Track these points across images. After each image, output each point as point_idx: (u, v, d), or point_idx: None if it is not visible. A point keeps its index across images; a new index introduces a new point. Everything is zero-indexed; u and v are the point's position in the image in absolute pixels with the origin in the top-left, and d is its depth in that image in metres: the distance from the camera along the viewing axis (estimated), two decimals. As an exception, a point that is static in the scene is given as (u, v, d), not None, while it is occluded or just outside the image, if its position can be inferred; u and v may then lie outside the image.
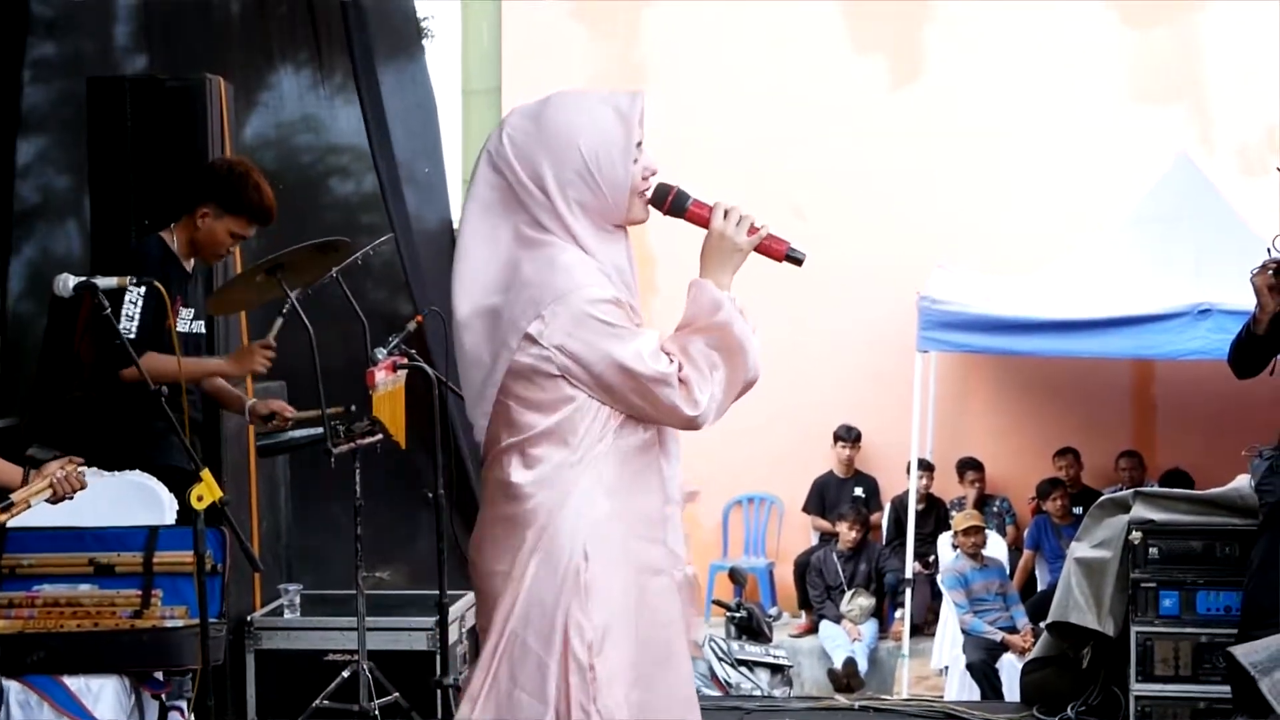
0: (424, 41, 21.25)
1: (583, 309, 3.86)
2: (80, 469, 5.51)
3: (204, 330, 7.09)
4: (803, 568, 14.59)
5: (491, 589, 4.01)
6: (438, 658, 7.51)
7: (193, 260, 6.97)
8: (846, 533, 14.27)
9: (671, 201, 4.05)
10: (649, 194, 4.03)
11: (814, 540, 15.18)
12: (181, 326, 6.81)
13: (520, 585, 3.94)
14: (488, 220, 3.99)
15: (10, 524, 5.38)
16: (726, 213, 4.04)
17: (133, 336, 6.41)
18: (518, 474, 3.95)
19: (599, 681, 3.89)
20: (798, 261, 4.10)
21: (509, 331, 3.91)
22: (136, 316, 6.50)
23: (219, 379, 7.17)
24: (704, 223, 4.07)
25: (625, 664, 3.93)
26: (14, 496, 5.41)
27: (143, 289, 6.40)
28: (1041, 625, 8.27)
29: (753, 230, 4.04)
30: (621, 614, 3.94)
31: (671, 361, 3.91)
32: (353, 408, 7.01)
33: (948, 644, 13.16)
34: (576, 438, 3.93)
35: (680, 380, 3.90)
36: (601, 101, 4.01)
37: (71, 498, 5.56)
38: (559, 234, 3.93)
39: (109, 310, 5.66)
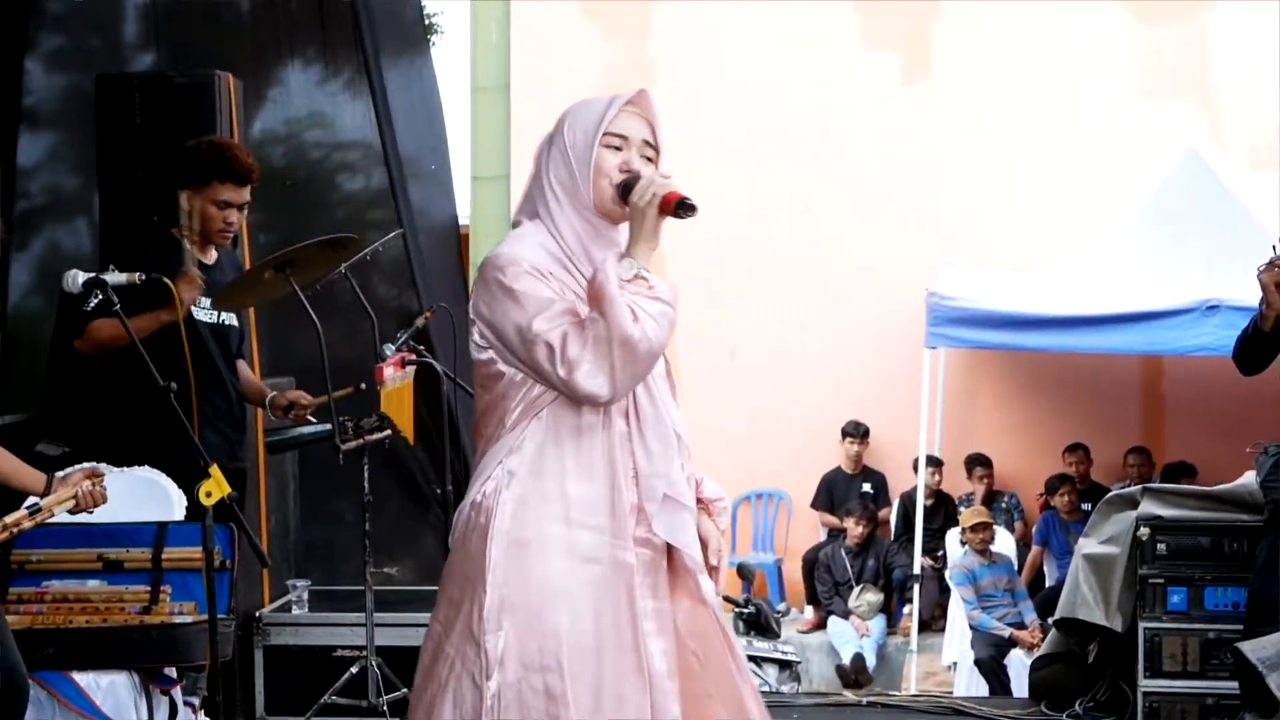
0: (432, 38, 21.36)
1: (492, 275, 3.97)
2: (103, 485, 5.55)
3: (235, 322, 7.06)
4: (811, 563, 14.59)
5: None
6: (446, 653, 7.51)
7: (213, 251, 6.94)
8: (854, 528, 14.27)
9: (621, 188, 4.04)
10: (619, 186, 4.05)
11: (822, 536, 15.18)
12: (206, 317, 6.80)
13: (449, 564, 4.10)
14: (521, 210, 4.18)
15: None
16: (642, 182, 4.01)
17: (89, 309, 6.37)
18: (478, 458, 4.10)
19: (488, 658, 3.92)
20: (682, 213, 3.98)
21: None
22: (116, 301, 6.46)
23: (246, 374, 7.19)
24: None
25: (527, 647, 3.94)
26: (41, 503, 5.47)
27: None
28: (1049, 621, 8.26)
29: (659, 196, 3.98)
30: (527, 596, 3.95)
31: (560, 327, 3.91)
32: (363, 386, 7.01)
33: (956, 640, 13.16)
34: (507, 414, 4.01)
35: (563, 340, 3.90)
36: (606, 94, 4.11)
37: (90, 512, 5.61)
38: (542, 214, 4.06)
39: (118, 306, 5.67)
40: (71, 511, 5.58)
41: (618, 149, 4.04)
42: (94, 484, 5.54)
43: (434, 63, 10.17)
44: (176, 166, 6.84)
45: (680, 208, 3.98)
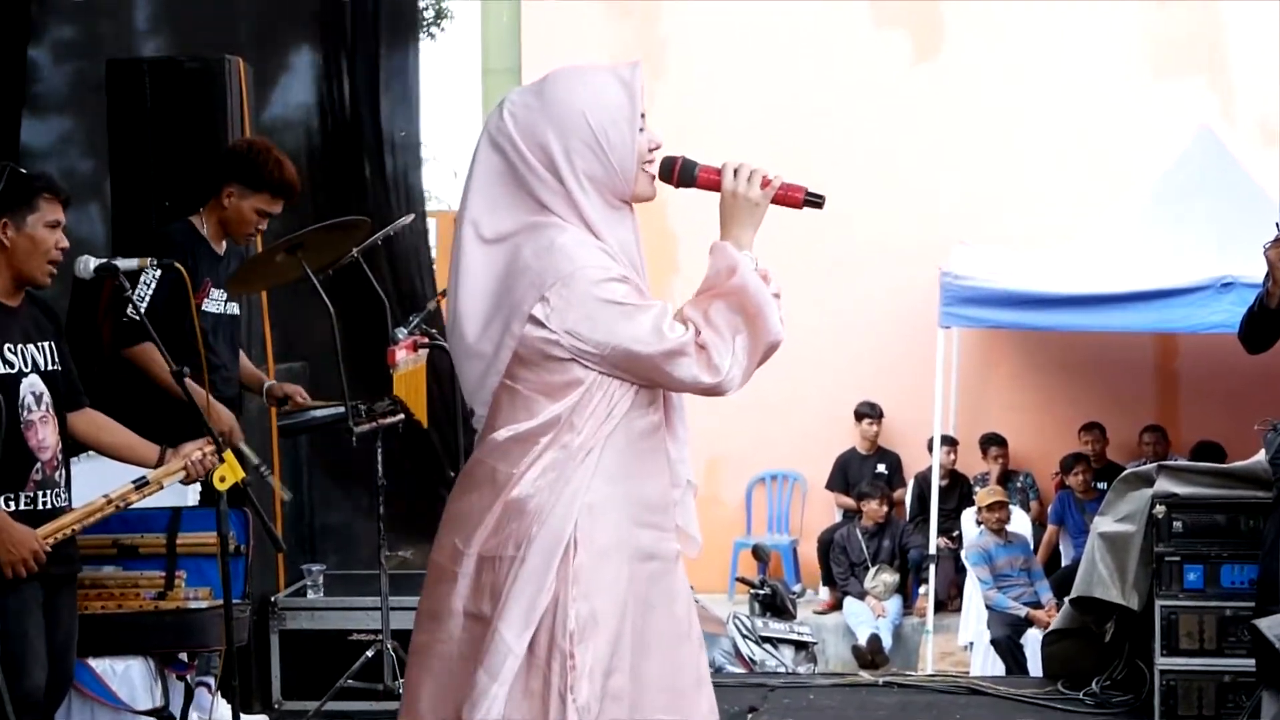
0: (443, 21, 21.31)
1: (589, 290, 3.78)
2: (214, 454, 5.58)
3: (238, 311, 7.06)
4: (826, 544, 14.59)
5: (462, 570, 3.94)
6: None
7: (224, 242, 6.95)
8: (876, 509, 14.26)
9: (680, 171, 3.97)
10: (655, 168, 3.95)
11: (837, 517, 15.18)
12: (214, 308, 6.81)
13: (504, 571, 3.87)
14: (489, 209, 3.91)
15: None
16: (736, 171, 3.94)
17: (136, 318, 6.36)
18: (517, 463, 3.87)
19: (578, 670, 3.82)
20: (818, 204, 3.98)
21: (511, 317, 3.83)
22: (147, 298, 6.44)
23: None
24: (715, 186, 3.96)
25: (608, 653, 3.86)
26: (149, 476, 5.52)
27: (159, 271, 6.38)
28: (1066, 600, 8.25)
29: (765, 183, 3.93)
30: (609, 603, 3.87)
31: (688, 329, 3.83)
32: (361, 406, 7.00)
33: (972, 620, 13.16)
34: (583, 421, 3.85)
35: (699, 346, 3.81)
36: (603, 72, 3.92)
37: (204, 480, 5.66)
38: (564, 213, 3.85)
39: (130, 291, 5.67)
40: (184, 482, 5.65)
41: (642, 129, 3.90)
42: (205, 454, 5.56)
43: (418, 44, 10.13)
44: (231, 162, 6.83)
45: (809, 202, 3.98)
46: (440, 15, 22.88)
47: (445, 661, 3.96)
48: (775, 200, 3.96)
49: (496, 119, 3.94)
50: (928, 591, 13.62)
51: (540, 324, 3.80)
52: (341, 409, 6.89)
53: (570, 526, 3.84)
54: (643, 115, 3.91)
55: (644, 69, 4.04)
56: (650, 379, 3.88)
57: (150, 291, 6.47)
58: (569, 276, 3.78)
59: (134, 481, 5.51)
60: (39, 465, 5.37)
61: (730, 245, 3.90)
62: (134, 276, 5.83)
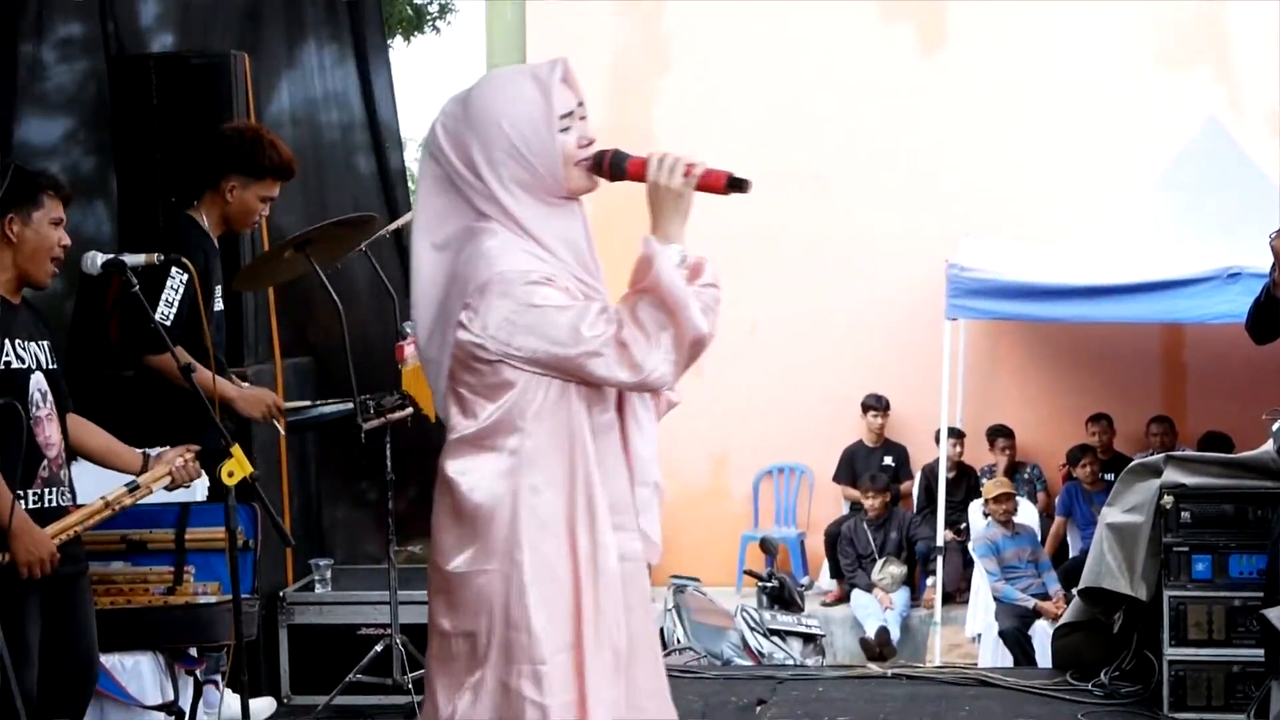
0: (448, 16, 21.30)
1: (505, 291, 3.80)
2: (196, 462, 5.70)
3: (223, 307, 7.04)
4: (834, 537, 14.59)
5: (438, 587, 3.99)
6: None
7: (217, 235, 6.92)
8: (870, 501, 14.27)
9: (610, 165, 3.94)
10: (590, 163, 3.94)
11: (845, 510, 15.17)
12: (217, 305, 6.79)
13: (482, 585, 3.89)
14: (435, 217, 3.97)
15: (42, 503, 5.43)
16: (660, 161, 3.91)
17: (168, 324, 6.34)
18: (465, 467, 3.92)
19: (549, 678, 3.82)
20: (743, 188, 3.90)
21: (447, 324, 3.88)
22: (175, 304, 6.44)
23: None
24: (643, 178, 3.94)
25: (582, 660, 3.85)
26: (140, 480, 5.58)
27: (185, 276, 6.35)
28: (1074, 591, 8.25)
29: (689, 171, 3.89)
30: (574, 607, 3.87)
31: (608, 328, 3.81)
32: (369, 402, 7.00)
33: (980, 611, 13.16)
34: (527, 423, 3.87)
35: (620, 344, 3.80)
36: (522, 75, 3.94)
37: (188, 486, 5.76)
38: (499, 218, 3.88)
39: (137, 287, 5.67)
40: (168, 488, 5.70)
41: (567, 129, 3.91)
42: (187, 460, 5.65)
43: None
44: (227, 152, 6.78)
45: (733, 187, 3.90)
46: (445, 11, 22.89)
47: (432, 679, 4.02)
48: (699, 187, 3.91)
49: (430, 131, 4.00)
50: (935, 583, 13.61)
51: (465, 328, 3.84)
52: (350, 405, 6.89)
53: (522, 534, 3.85)
54: (570, 114, 3.92)
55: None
56: (578, 377, 3.88)
57: (179, 298, 6.44)
58: (487, 283, 3.82)
59: (126, 485, 5.57)
60: (46, 462, 5.38)
61: (654, 239, 3.89)
62: (143, 273, 5.81)
